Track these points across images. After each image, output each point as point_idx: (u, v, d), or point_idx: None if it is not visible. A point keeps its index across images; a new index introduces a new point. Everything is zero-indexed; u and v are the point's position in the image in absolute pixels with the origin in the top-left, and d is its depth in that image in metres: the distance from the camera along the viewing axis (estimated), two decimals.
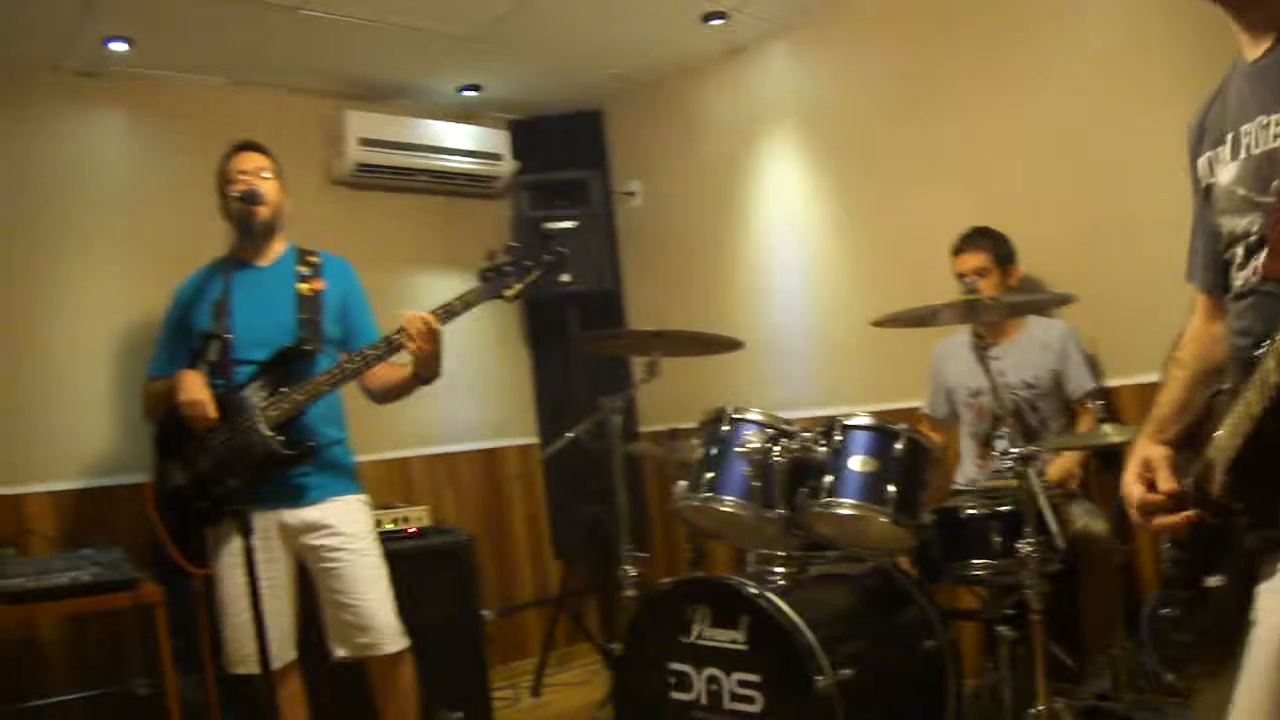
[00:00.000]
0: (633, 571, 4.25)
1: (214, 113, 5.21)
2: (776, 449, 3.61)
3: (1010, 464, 3.37)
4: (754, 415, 3.74)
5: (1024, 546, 3.28)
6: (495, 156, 5.77)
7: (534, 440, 6.00)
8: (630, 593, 4.23)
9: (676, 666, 3.47)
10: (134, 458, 4.67)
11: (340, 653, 3.76)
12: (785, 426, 3.72)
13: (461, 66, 5.42)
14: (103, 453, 4.88)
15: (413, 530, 4.65)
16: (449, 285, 4.97)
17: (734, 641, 3.34)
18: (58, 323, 4.90)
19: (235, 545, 3.60)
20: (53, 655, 4.70)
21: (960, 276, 4.20)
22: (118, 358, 4.95)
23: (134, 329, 4.92)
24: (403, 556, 4.04)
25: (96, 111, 5.13)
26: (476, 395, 5.80)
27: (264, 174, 3.86)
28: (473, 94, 5.73)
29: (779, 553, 3.66)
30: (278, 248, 3.93)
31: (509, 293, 3.72)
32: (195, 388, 3.58)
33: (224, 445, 3.59)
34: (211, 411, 3.56)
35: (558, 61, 5.49)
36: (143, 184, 5.14)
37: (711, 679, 3.38)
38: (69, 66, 4.99)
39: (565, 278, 4.46)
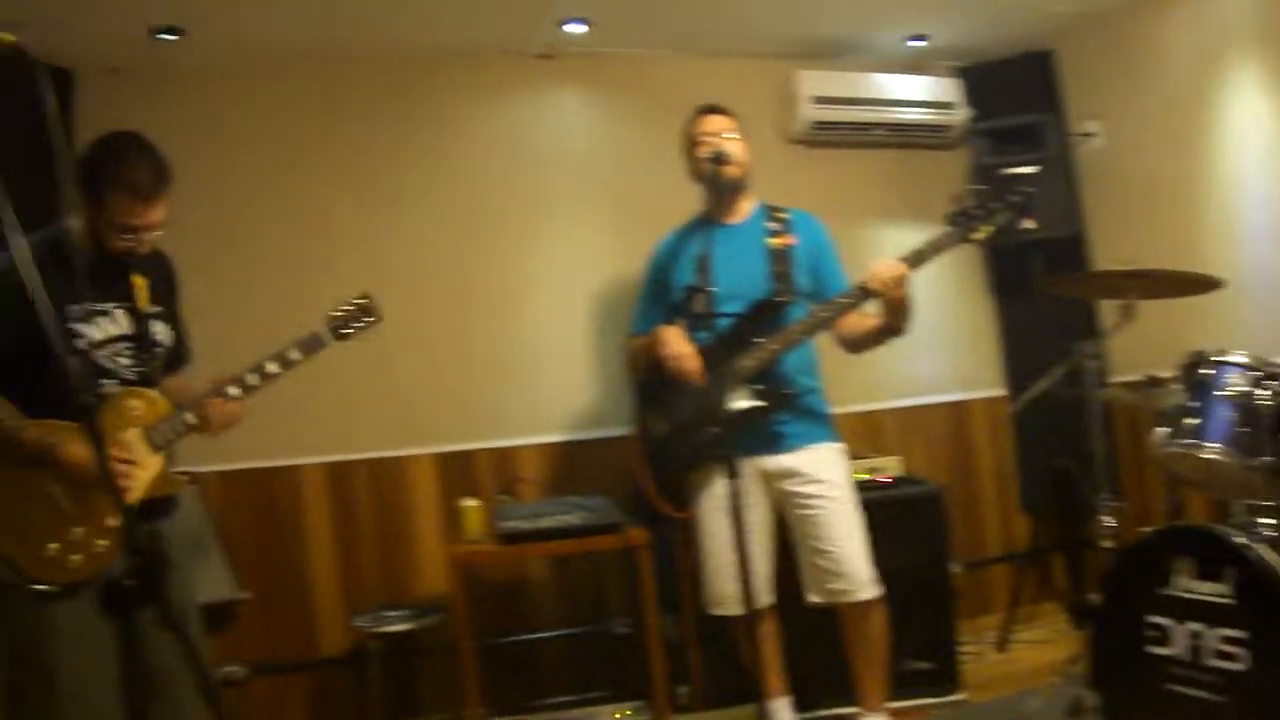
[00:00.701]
0: (1110, 522, 4.09)
1: (670, 84, 5.39)
2: (1263, 393, 3.39)
3: None
4: (1237, 357, 3.50)
5: None
6: (947, 105, 5.65)
7: (1001, 392, 5.86)
8: (1106, 544, 4.08)
9: (1155, 619, 3.31)
10: (613, 412, 5.02)
11: (814, 598, 3.83)
12: (1273, 368, 3.47)
13: (907, 17, 5.33)
14: (584, 408, 5.22)
15: (885, 480, 4.66)
16: (907, 238, 4.90)
17: (1220, 595, 3.14)
18: (540, 289, 5.29)
19: (717, 490, 3.76)
20: (540, 594, 5.09)
21: None
22: (595, 318, 5.28)
23: (608, 291, 5.24)
24: (875, 506, 4.04)
25: (558, 91, 5.45)
26: (943, 348, 5.74)
27: (728, 134, 3.95)
28: (920, 44, 5.63)
29: (1267, 503, 3.42)
30: (747, 206, 4.02)
31: (977, 235, 3.64)
32: (677, 340, 3.80)
33: (705, 394, 3.73)
34: (695, 363, 3.73)
35: (1004, 3, 5.30)
36: (606, 156, 5.43)
37: (1193, 634, 3.19)
38: (529, 51, 5.33)
39: (1028, 224, 4.32)
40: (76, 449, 2.92)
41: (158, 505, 3.13)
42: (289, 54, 5.07)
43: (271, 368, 3.30)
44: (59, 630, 2.94)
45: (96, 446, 1.56)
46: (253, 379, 3.26)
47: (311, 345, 3.39)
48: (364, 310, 3.53)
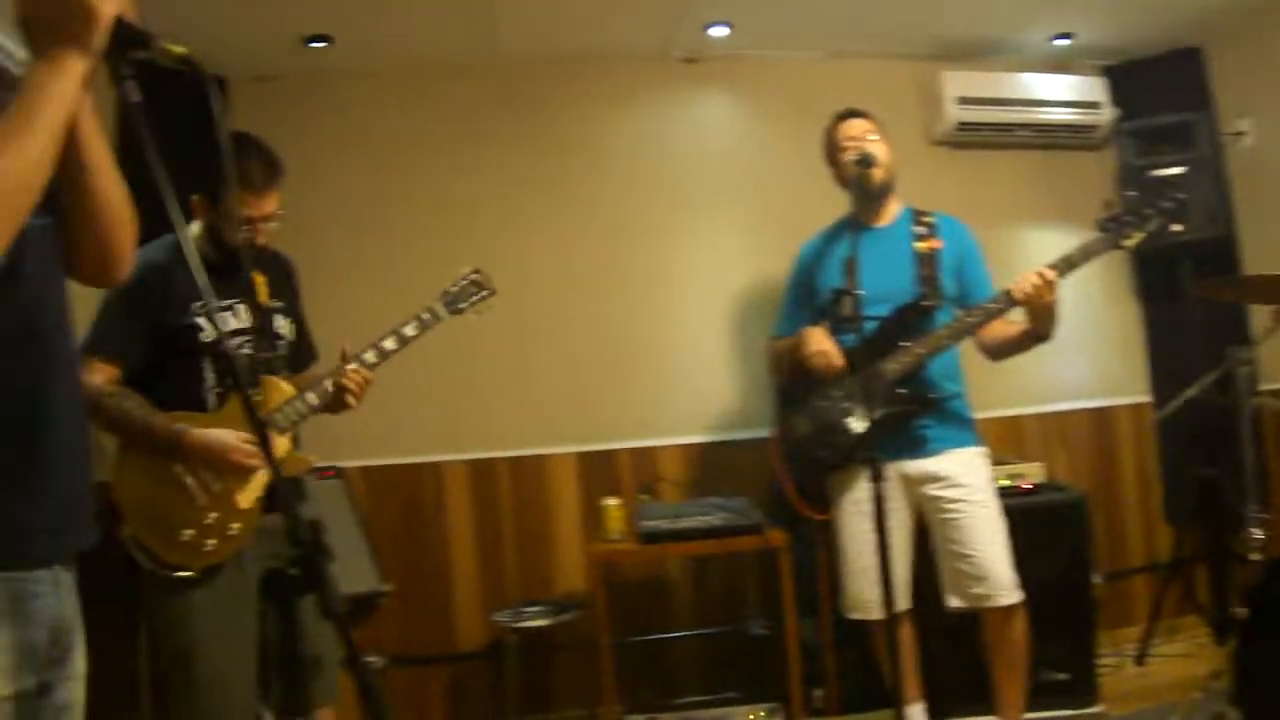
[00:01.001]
0: (1258, 534, 3.99)
1: (813, 85, 5.38)
2: None
3: None
4: None
5: None
6: (1093, 105, 5.54)
7: (1146, 398, 5.71)
8: (1254, 556, 3.97)
9: None
10: (754, 414, 5.03)
11: (954, 603, 3.80)
12: None
13: (1052, 15, 5.24)
14: (726, 408, 5.25)
15: (1027, 486, 4.60)
16: (1052, 241, 4.87)
17: None
18: (683, 290, 5.34)
19: (858, 493, 3.76)
20: (678, 594, 5.13)
21: None
22: (737, 320, 5.31)
23: (751, 292, 5.27)
24: (1017, 512, 3.98)
25: (701, 94, 5.51)
26: (1088, 352, 5.62)
27: (870, 136, 3.94)
28: (1065, 42, 5.54)
29: None
30: (893, 209, 4.01)
31: (1128, 242, 3.61)
32: (821, 339, 3.82)
33: (849, 396, 3.74)
34: (838, 360, 3.75)
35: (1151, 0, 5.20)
36: (749, 158, 5.45)
37: None
38: (673, 54, 5.40)
39: (1177, 227, 4.20)
40: (203, 435, 3.06)
41: (292, 486, 3.24)
42: (433, 58, 5.21)
43: (389, 344, 3.42)
44: (197, 615, 3.07)
45: (257, 433, 1.65)
46: (371, 356, 3.38)
47: (426, 320, 3.49)
48: (477, 285, 3.65)
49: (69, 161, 1.70)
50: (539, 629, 4.59)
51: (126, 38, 1.69)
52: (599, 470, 5.11)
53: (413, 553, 5.01)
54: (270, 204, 3.23)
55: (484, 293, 3.67)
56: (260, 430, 1.70)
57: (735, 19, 5.06)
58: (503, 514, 5.10)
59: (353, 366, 3.32)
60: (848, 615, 3.96)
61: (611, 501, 4.55)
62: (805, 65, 5.51)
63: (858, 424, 3.72)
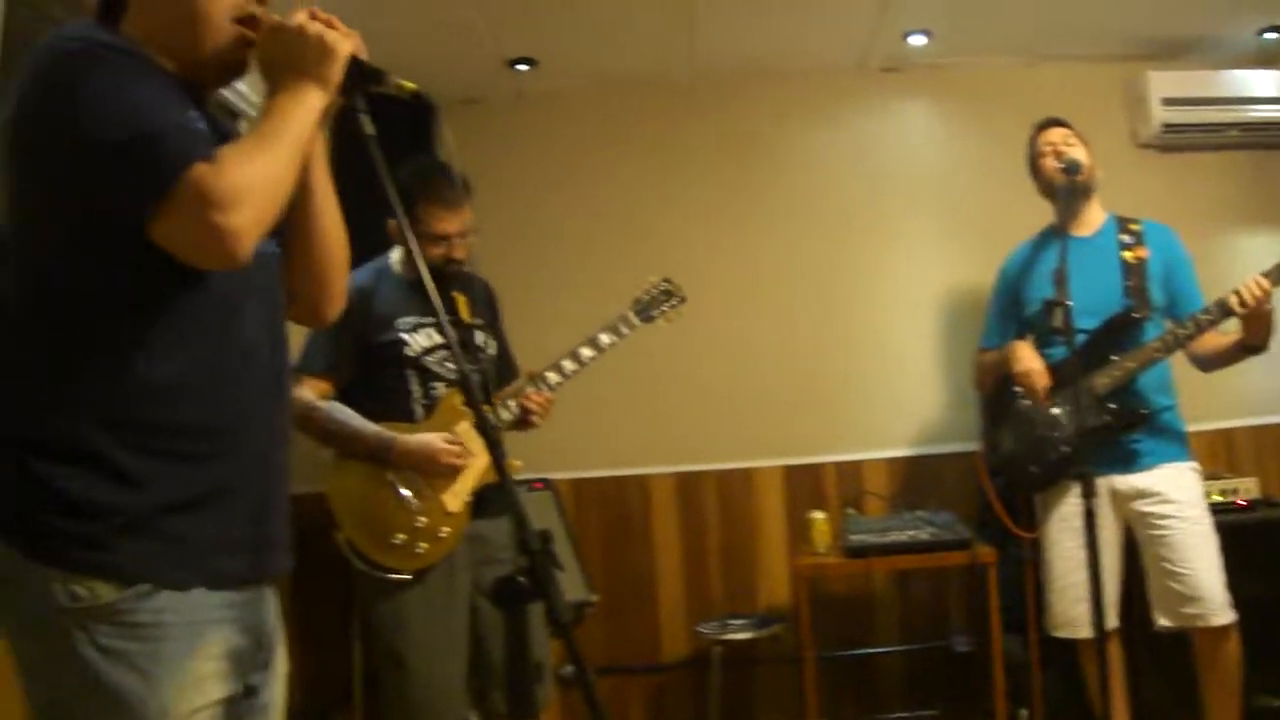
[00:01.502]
0: None
1: (1012, 91, 5.34)
2: None
3: None
4: None
5: None
6: None
7: None
8: None
9: None
10: (961, 426, 4.98)
11: (1164, 622, 3.69)
12: None
13: (1259, 8, 5.03)
14: (931, 422, 5.22)
15: (1242, 503, 4.47)
16: (1267, 245, 4.76)
17: None
18: (886, 301, 5.35)
19: (1066, 510, 3.71)
20: (882, 608, 5.11)
21: None
22: (942, 331, 5.28)
23: (955, 303, 5.23)
24: (1230, 530, 3.85)
25: (901, 103, 5.52)
26: None
27: (1070, 141, 3.89)
28: (1274, 36, 5.35)
29: None
30: (1097, 217, 3.95)
31: None
32: (1029, 357, 3.79)
33: (1057, 412, 3.71)
34: (1046, 380, 3.72)
35: None
36: (951, 165, 5.43)
37: None
38: (872, 64, 5.43)
39: None
40: (412, 440, 3.28)
41: (491, 491, 3.40)
42: (632, 75, 5.38)
43: (586, 353, 3.60)
44: (408, 616, 3.28)
45: (489, 445, 1.76)
46: (570, 365, 3.57)
47: (619, 328, 3.66)
48: (668, 293, 3.81)
49: (299, 193, 1.83)
50: (743, 642, 4.66)
51: (362, 74, 1.85)
52: (804, 484, 5.15)
53: (619, 564, 5.13)
54: (463, 219, 3.42)
55: (675, 299, 3.82)
56: (490, 435, 1.79)
57: (934, 27, 5.05)
58: (708, 526, 5.18)
59: (532, 389, 3.50)
60: (1054, 633, 3.88)
61: (817, 515, 4.58)
62: (1005, 71, 5.45)
63: (1066, 439, 3.67)
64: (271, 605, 1.90)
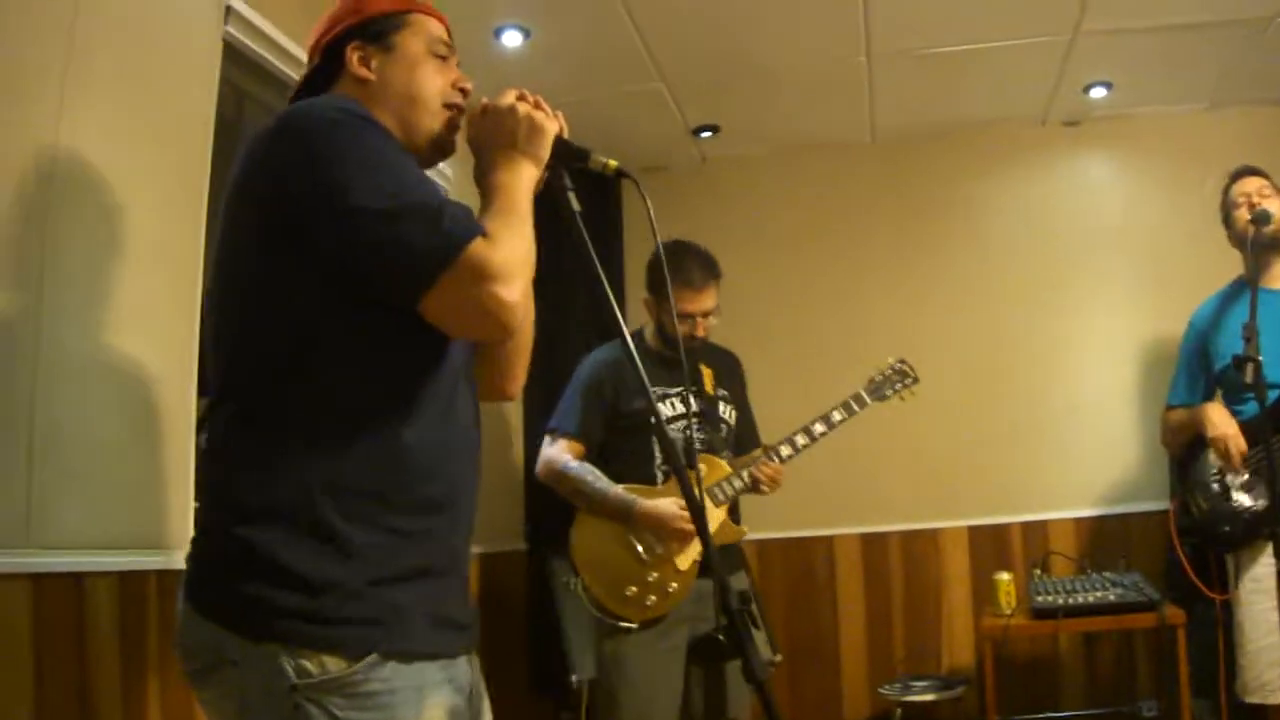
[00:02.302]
0: None
1: (1196, 138, 5.37)
2: None
3: None
4: None
5: None
6: None
7: None
8: None
9: None
10: (1149, 484, 5.01)
11: None
12: None
13: None
14: (1120, 480, 5.21)
15: None
16: None
17: None
18: (1072, 357, 5.39)
19: (1260, 571, 3.66)
20: (1067, 671, 5.10)
21: None
22: (1130, 387, 5.27)
23: (1143, 357, 5.24)
24: None
25: (1083, 156, 5.60)
26: None
27: (1265, 193, 3.85)
28: None
29: None
30: None
31: None
32: (1224, 421, 3.77)
33: (1251, 470, 3.69)
34: (1242, 444, 3.70)
35: None
36: (1134, 218, 5.44)
37: None
38: (1054, 119, 5.53)
39: None
40: (651, 505, 3.60)
41: (722, 552, 3.68)
42: (813, 139, 5.61)
43: (818, 428, 3.86)
44: (630, 661, 3.61)
45: (690, 505, 1.87)
46: (802, 439, 3.84)
47: (853, 406, 3.91)
48: (902, 374, 4.03)
49: None
50: (925, 704, 4.71)
51: (568, 153, 1.96)
52: (990, 544, 5.20)
53: (802, 623, 5.25)
54: (708, 301, 3.78)
55: (909, 379, 4.05)
56: (693, 501, 1.85)
57: (1115, 78, 5.12)
58: (892, 586, 5.27)
59: (765, 460, 3.78)
60: (1246, 699, 3.80)
61: (1003, 576, 4.61)
62: (1188, 118, 5.47)
63: (1260, 500, 3.63)
64: (476, 664, 1.94)
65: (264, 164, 1.74)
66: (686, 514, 3.49)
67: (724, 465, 3.82)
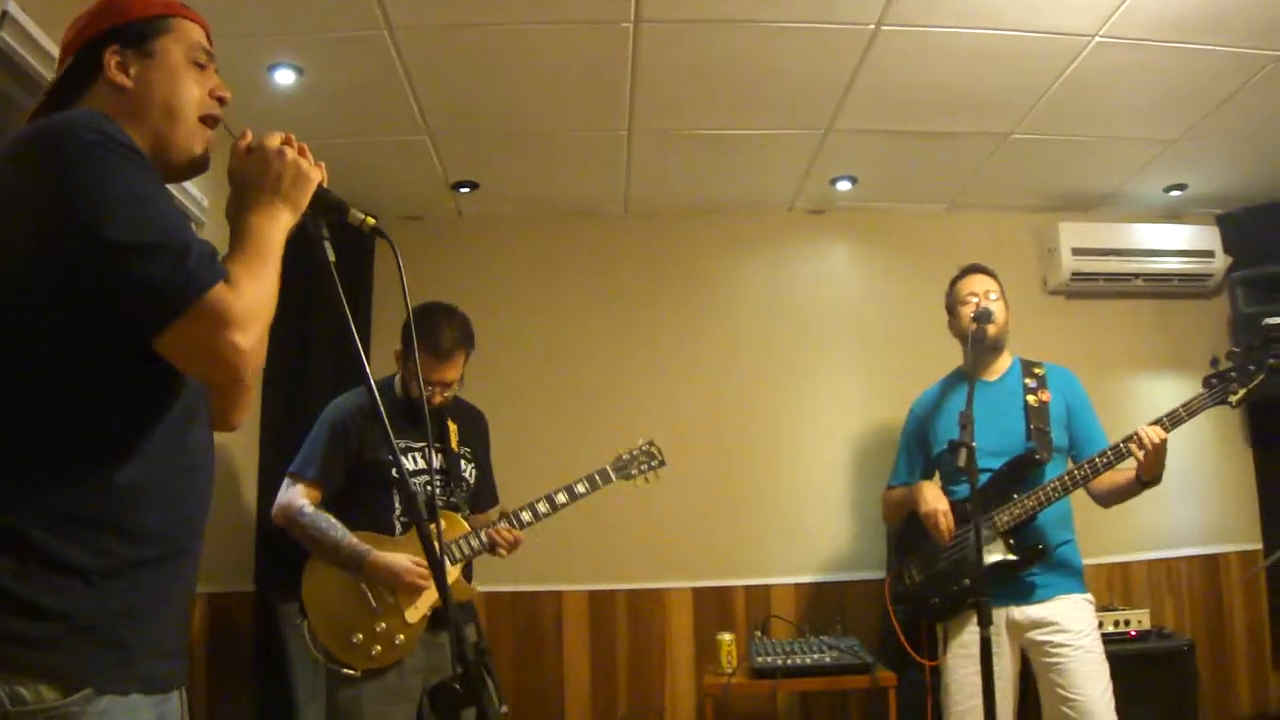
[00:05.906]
0: None
1: (932, 236, 5.62)
2: None
3: None
4: None
5: None
6: (1206, 254, 5.61)
7: (1257, 546, 5.64)
8: None
9: None
10: (867, 555, 5.21)
11: None
12: None
13: (1167, 168, 5.33)
14: (840, 550, 5.37)
15: (1133, 634, 4.61)
16: (1165, 389, 4.96)
17: None
18: (802, 433, 5.53)
19: (965, 639, 3.82)
20: None
21: None
22: (854, 464, 5.46)
23: (867, 437, 5.43)
24: (1122, 659, 4.02)
25: (826, 243, 5.77)
26: (1198, 499, 5.60)
27: (991, 295, 4.05)
28: (1178, 193, 5.62)
29: None
30: (1004, 362, 4.11)
31: (1234, 399, 3.67)
32: (935, 498, 3.92)
33: (960, 547, 3.83)
34: (950, 521, 3.86)
35: (1268, 150, 5.20)
36: (870, 306, 5.66)
37: None
38: (800, 206, 5.71)
39: None
40: (384, 558, 3.55)
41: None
42: (570, 205, 5.59)
43: (560, 498, 3.88)
44: (363, 707, 3.54)
45: (430, 560, 1.87)
46: (544, 508, 3.85)
47: (597, 481, 3.95)
48: (649, 455, 4.09)
49: None
50: None
51: (328, 204, 1.92)
52: (714, 605, 5.25)
53: (528, 676, 5.18)
54: (451, 372, 3.74)
55: (655, 462, 4.11)
56: (433, 555, 1.88)
57: (860, 173, 5.30)
58: (618, 643, 5.25)
59: (503, 525, 3.78)
60: None
61: (725, 636, 4.67)
62: (926, 217, 5.72)
63: (968, 573, 3.76)
64: (185, 700, 1.87)
65: (12, 182, 1.67)
66: (420, 568, 3.53)
67: (463, 523, 3.81)
